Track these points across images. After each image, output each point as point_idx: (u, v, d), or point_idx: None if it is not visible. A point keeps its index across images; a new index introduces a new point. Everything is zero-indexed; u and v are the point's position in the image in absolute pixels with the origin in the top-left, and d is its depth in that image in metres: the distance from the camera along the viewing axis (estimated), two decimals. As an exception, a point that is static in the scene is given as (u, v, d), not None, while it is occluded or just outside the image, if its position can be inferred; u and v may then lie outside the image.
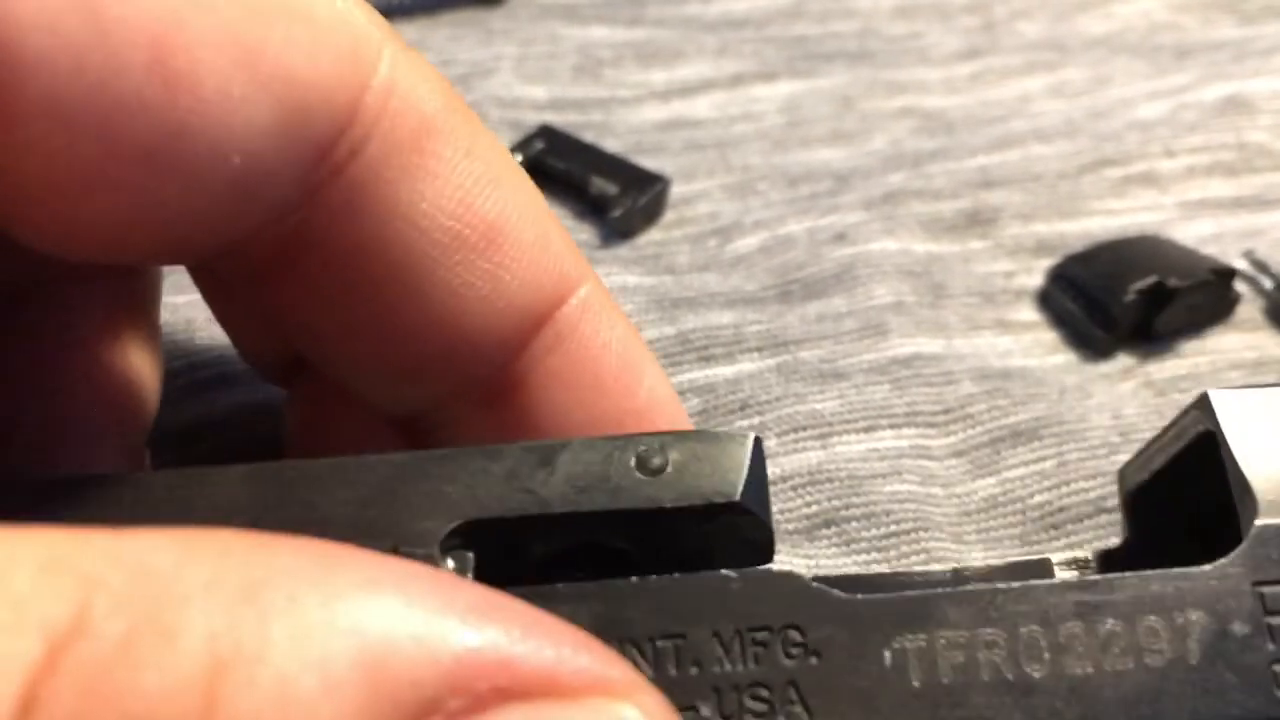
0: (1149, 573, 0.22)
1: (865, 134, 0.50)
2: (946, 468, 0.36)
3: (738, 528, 0.23)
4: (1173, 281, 0.40)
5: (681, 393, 0.39)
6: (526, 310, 0.26)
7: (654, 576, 0.22)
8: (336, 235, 0.25)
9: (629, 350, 0.28)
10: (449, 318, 0.26)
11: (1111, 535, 0.35)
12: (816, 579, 0.22)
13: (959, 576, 0.25)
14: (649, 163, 0.47)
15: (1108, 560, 0.25)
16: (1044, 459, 0.36)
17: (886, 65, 0.53)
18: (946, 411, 0.38)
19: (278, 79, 0.22)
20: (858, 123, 0.50)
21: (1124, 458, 0.36)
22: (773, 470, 0.36)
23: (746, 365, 0.39)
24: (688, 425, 0.30)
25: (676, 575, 0.22)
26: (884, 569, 0.34)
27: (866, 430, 0.37)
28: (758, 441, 0.24)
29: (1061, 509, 0.35)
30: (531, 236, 0.26)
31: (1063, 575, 0.25)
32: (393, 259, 0.25)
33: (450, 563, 0.22)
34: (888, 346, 0.40)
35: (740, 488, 0.23)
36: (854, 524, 0.35)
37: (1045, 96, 0.51)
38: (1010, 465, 0.36)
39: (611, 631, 0.22)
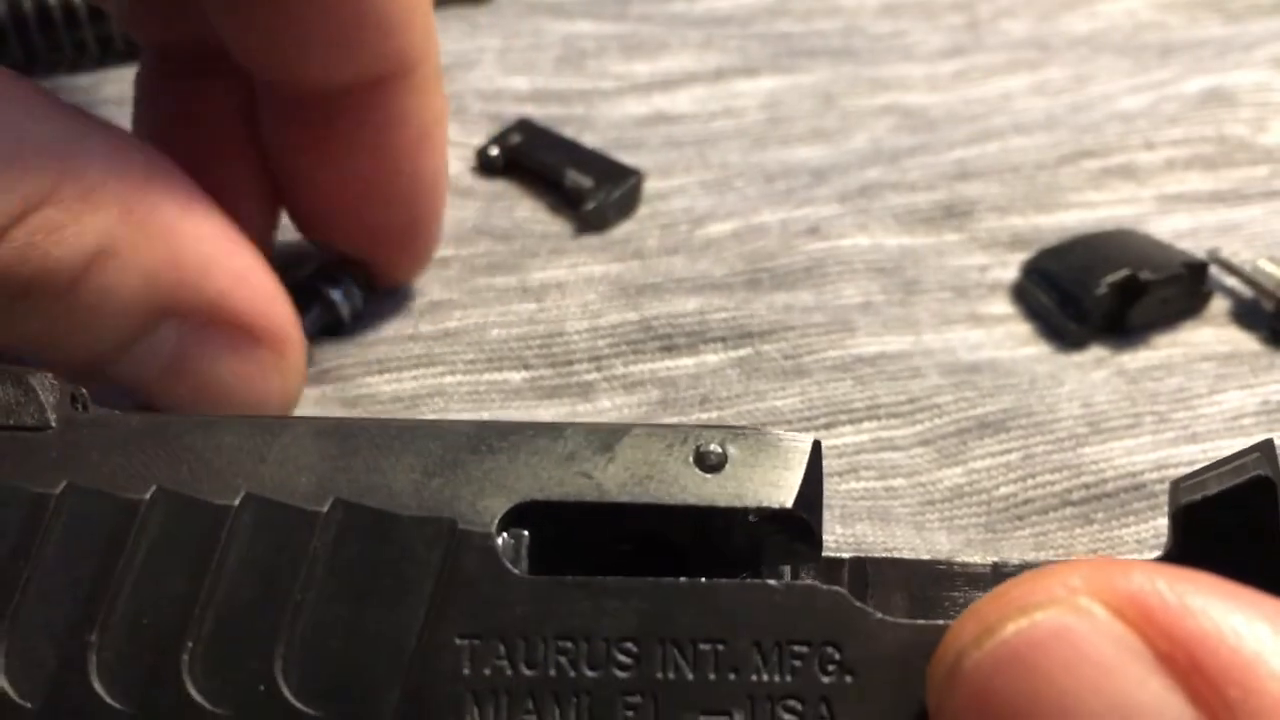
0: None
1: (845, 131, 0.49)
2: (911, 456, 0.36)
3: (788, 529, 0.24)
4: (1145, 275, 0.39)
5: (642, 383, 0.38)
6: (382, 55, 0.34)
7: (702, 580, 0.22)
8: None
9: (428, 136, 0.36)
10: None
11: (1076, 527, 0.34)
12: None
13: (998, 571, 0.25)
14: (628, 159, 0.47)
15: None
16: (1010, 450, 0.36)
17: (870, 62, 0.53)
18: (912, 402, 0.37)
19: None
20: (839, 120, 0.50)
21: (1091, 450, 0.36)
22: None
23: (709, 358, 0.39)
24: (438, 191, 0.38)
25: (724, 581, 0.22)
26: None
27: (826, 428, 0.37)
28: (816, 445, 0.24)
29: (1027, 501, 0.35)
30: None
31: None
32: None
33: (507, 539, 0.23)
34: (854, 344, 0.39)
35: (794, 494, 0.23)
36: None
37: (1027, 94, 0.51)
38: (977, 456, 0.36)
39: (656, 629, 0.22)
